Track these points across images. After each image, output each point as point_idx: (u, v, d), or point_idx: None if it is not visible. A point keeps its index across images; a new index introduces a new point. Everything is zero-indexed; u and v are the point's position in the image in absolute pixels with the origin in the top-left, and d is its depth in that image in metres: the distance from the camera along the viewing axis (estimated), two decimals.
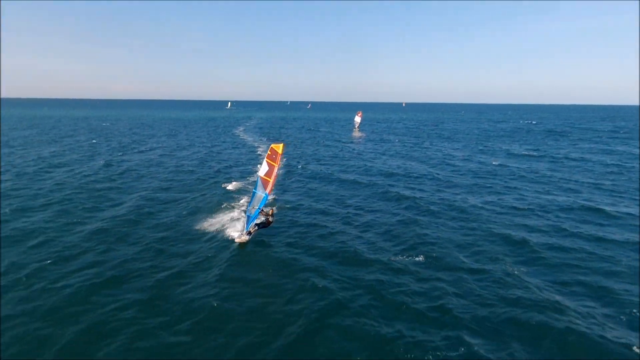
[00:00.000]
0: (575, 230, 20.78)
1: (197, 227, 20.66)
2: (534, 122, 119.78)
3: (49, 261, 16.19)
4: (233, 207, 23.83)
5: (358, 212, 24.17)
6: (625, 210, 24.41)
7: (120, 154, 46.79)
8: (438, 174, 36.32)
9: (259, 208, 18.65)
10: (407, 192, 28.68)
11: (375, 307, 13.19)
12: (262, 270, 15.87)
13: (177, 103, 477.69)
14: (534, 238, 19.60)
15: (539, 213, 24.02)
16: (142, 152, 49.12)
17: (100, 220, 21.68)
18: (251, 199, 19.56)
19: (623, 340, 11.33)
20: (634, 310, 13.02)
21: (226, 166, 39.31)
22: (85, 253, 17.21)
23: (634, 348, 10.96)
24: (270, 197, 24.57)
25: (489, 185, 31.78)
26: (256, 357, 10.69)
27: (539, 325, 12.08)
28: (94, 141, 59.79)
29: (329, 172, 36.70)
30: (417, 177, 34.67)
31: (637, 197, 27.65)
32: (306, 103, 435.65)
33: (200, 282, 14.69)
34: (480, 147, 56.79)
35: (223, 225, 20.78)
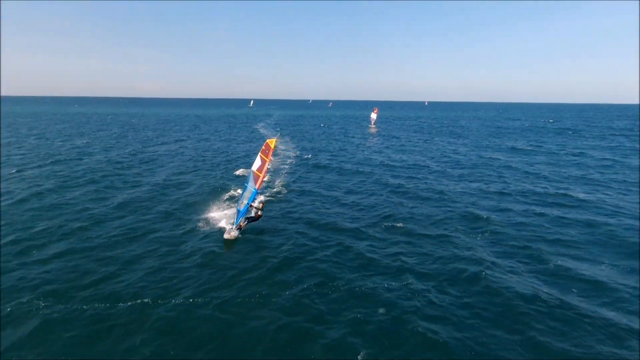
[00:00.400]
0: (541, 211, 23.08)
1: (194, 216, 21.59)
2: (551, 121, 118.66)
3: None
4: (233, 197, 25.20)
5: (347, 194, 27.09)
6: (598, 196, 26.36)
7: (144, 145, 51.28)
8: (433, 165, 38.67)
9: (247, 203, 18.75)
10: (398, 180, 31.35)
11: (345, 258, 16.21)
12: (251, 262, 16.02)
13: (202, 102, 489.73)
14: (498, 216, 22.06)
15: (517, 197, 26.28)
16: (165, 143, 53.54)
17: (121, 196, 25.49)
18: (242, 192, 20.03)
19: (526, 291, 13.86)
20: (551, 266, 15.51)
21: (238, 157, 42.90)
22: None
23: (540, 293, 13.54)
24: (279, 185, 27.31)
25: (478, 174, 34.01)
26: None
27: (473, 275, 14.76)
28: (122, 134, 64.97)
29: (331, 162, 39.74)
30: (411, 168, 37.17)
31: (616, 186, 29.44)
32: (327, 102, 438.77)
33: (183, 276, 14.68)
34: (486, 143, 58.39)
35: (218, 217, 21.26)
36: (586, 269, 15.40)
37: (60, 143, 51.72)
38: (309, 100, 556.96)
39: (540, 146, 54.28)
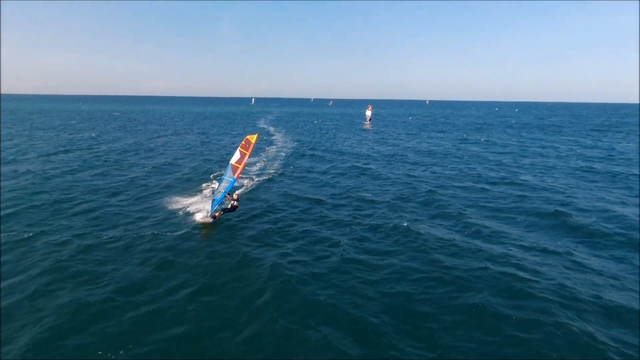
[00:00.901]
0: (483, 187, 27.30)
1: (172, 203, 22.29)
2: (540, 118, 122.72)
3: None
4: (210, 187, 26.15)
5: (321, 176, 31.38)
6: (539, 182, 30.45)
7: (146, 137, 55.84)
8: (402, 155, 42.79)
9: (224, 192, 19.35)
10: (366, 166, 35.58)
11: (314, 226, 20.51)
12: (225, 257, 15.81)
13: (204, 100, 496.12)
14: (441, 190, 26.32)
15: (463, 179, 30.42)
16: (165, 136, 58.09)
17: (118, 180, 29.96)
18: (219, 183, 20.54)
19: (441, 236, 18.10)
20: (470, 222, 19.71)
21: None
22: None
23: (456, 241, 17.74)
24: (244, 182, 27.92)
25: (440, 161, 38.23)
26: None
27: (397, 226, 18.97)
28: (123, 128, 69.62)
29: (312, 152, 44.04)
30: (384, 157, 41.20)
31: (558, 173, 33.64)
32: (329, 100, 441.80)
33: (160, 268, 14.52)
34: (464, 136, 62.58)
35: (193, 204, 21.92)
36: (497, 225, 19.61)
37: (80, 134, 56.63)
38: (311, 99, 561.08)
39: (511, 139, 58.50)
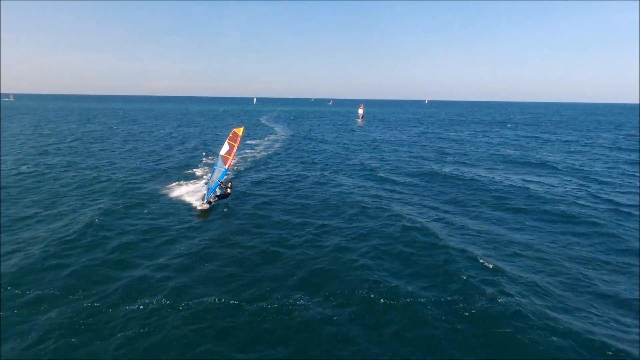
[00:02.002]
0: (408, 161, 37.19)
1: (170, 193, 23.91)
2: (511, 117, 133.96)
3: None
4: (201, 177, 28.85)
5: (297, 157, 41.26)
6: (445, 169, 40.12)
7: (160, 129, 65.84)
8: (381, 143, 52.63)
9: (218, 180, 21.08)
10: (328, 148, 45.78)
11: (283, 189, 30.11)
12: (224, 232, 17.89)
13: (206, 99, 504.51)
14: (383, 167, 35.93)
15: (417, 160, 40.15)
16: (177, 127, 68.17)
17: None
18: (212, 173, 22.52)
19: (371, 196, 27.75)
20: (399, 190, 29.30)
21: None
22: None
23: (382, 202, 27.35)
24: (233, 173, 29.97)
25: (406, 148, 47.98)
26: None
27: (344, 193, 28.59)
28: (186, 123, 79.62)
29: (302, 144, 53.97)
30: (361, 144, 51.13)
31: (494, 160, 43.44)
32: (329, 100, 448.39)
33: (164, 243, 16.28)
34: (437, 130, 72.43)
35: (187, 193, 23.63)
36: (402, 180, 29.29)
37: (100, 127, 66.85)
38: (311, 99, 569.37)
39: (462, 132, 68.68)
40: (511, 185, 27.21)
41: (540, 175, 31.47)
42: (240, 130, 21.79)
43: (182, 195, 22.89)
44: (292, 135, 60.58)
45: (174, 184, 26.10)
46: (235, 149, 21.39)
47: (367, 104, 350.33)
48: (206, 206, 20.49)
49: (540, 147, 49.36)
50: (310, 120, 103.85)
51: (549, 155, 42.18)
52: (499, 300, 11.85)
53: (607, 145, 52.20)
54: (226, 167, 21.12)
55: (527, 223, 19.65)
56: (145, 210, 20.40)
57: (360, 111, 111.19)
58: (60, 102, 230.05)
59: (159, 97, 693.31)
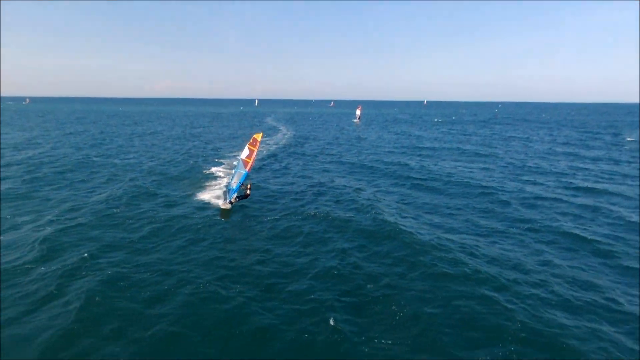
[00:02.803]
0: (390, 151, 46.93)
1: (194, 193, 25.57)
2: (491, 117, 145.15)
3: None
4: (222, 178, 30.38)
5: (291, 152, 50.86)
6: (424, 159, 49.96)
7: (179, 128, 75.75)
8: (362, 138, 62.63)
9: (239, 182, 22.51)
10: (320, 147, 55.59)
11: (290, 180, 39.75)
12: (245, 231, 19.25)
13: (208, 101, 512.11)
14: (364, 158, 45.67)
15: (374, 150, 49.94)
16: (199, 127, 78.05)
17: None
18: (232, 175, 23.82)
19: (325, 178, 37.54)
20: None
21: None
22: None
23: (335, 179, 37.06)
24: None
25: (370, 143, 57.64)
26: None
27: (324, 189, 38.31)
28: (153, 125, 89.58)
29: (305, 140, 63.80)
30: (331, 142, 60.95)
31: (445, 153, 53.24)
32: (329, 101, 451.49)
33: (193, 242, 17.56)
34: (400, 129, 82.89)
35: (211, 195, 25.11)
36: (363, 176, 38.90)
37: (125, 127, 76.79)
38: (312, 100, 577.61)
39: (444, 131, 79.29)
40: (429, 170, 35.58)
41: (462, 161, 41.28)
42: (259, 136, 23.60)
43: (207, 198, 24.65)
44: (301, 137, 70.61)
45: (200, 185, 28.19)
46: (255, 153, 22.98)
47: (368, 104, 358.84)
48: (228, 206, 21.96)
49: (482, 142, 59.34)
50: (304, 121, 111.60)
51: (471, 146, 52.41)
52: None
53: (541, 140, 61.80)
54: (247, 170, 22.70)
55: (441, 193, 27.99)
56: (175, 208, 22.42)
57: (358, 112, 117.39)
58: (72, 104, 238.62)
59: (158, 99, 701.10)
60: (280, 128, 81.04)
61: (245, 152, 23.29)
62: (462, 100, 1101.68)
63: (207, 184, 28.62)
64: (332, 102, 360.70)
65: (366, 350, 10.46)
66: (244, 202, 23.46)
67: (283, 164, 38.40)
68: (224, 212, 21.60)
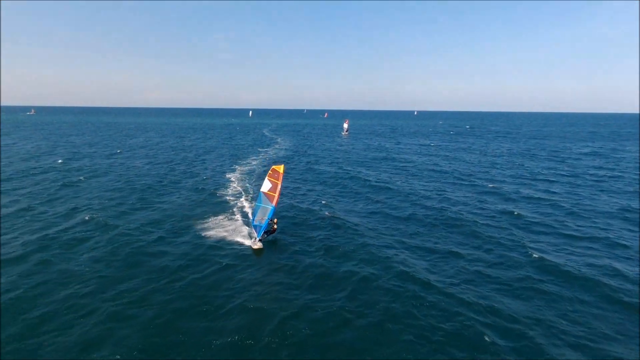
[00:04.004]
0: (376, 146, 57.61)
1: (211, 232, 23.75)
2: (467, 127, 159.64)
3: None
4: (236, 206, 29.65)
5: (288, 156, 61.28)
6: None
7: (177, 138, 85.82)
8: (350, 148, 73.45)
9: (268, 218, 21.18)
10: (311, 153, 66.08)
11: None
12: (285, 269, 18.90)
13: (204, 111, 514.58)
14: (348, 158, 56.44)
15: (354, 155, 60.65)
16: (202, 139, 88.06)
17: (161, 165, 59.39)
18: (255, 212, 22.59)
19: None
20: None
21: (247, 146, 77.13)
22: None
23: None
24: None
25: (355, 150, 68.50)
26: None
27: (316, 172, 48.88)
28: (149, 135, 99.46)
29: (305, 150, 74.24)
30: (314, 152, 71.08)
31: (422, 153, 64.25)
32: (322, 111, 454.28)
33: (237, 287, 17.03)
34: (391, 138, 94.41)
35: (233, 231, 23.61)
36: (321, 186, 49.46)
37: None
38: (304, 110, 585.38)
39: (422, 139, 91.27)
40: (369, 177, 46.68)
41: (398, 168, 51.11)
42: (280, 168, 22.02)
43: (227, 236, 22.91)
44: (298, 152, 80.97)
45: (211, 219, 26.22)
46: (279, 186, 21.60)
47: (359, 115, 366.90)
48: (259, 245, 20.99)
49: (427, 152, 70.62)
50: (306, 133, 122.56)
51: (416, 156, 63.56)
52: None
53: (499, 153, 73.08)
54: (273, 204, 21.44)
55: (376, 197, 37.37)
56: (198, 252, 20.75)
57: (345, 125, 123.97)
58: (74, 116, 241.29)
59: (149, 109, 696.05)
60: (282, 142, 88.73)
61: (266, 185, 22.29)
62: (453, 110, 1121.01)
63: (217, 217, 26.82)
64: (326, 113, 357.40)
65: None
66: (272, 236, 22.55)
67: (302, 190, 37.03)
68: (257, 252, 20.75)
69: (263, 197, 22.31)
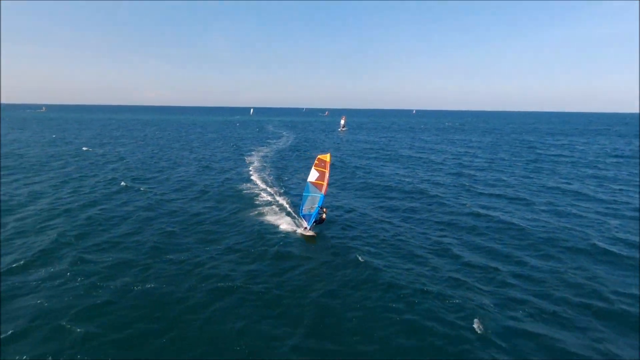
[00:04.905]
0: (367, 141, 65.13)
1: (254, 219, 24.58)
2: (457, 123, 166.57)
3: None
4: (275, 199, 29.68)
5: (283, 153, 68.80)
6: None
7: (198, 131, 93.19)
8: (347, 143, 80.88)
9: (318, 206, 21.92)
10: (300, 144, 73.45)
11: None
12: (335, 255, 19.19)
13: (202, 109, 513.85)
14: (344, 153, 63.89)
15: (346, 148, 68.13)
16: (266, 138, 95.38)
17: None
18: (303, 201, 23.27)
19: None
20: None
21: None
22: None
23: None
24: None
25: (348, 144, 75.93)
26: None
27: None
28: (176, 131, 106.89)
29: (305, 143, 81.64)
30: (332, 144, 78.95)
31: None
32: (322, 110, 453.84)
33: (295, 275, 17.06)
34: (380, 133, 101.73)
35: (280, 221, 23.95)
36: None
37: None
38: (303, 109, 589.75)
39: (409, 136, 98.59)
40: (356, 167, 48.05)
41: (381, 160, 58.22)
42: (327, 157, 22.80)
43: (279, 225, 23.30)
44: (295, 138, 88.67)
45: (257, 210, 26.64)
46: (327, 174, 22.35)
47: (358, 113, 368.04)
48: (311, 232, 21.63)
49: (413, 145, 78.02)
50: (303, 128, 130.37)
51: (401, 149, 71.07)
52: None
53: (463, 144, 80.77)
54: (322, 192, 22.10)
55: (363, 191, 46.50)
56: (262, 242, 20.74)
57: (342, 121, 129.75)
58: (79, 113, 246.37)
59: (151, 107, 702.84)
60: (287, 136, 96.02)
61: (313, 175, 23.20)
62: (452, 109, 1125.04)
63: (263, 208, 27.13)
64: (327, 112, 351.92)
65: None
66: (321, 227, 22.79)
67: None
68: (308, 238, 21.42)
69: (311, 187, 23.10)
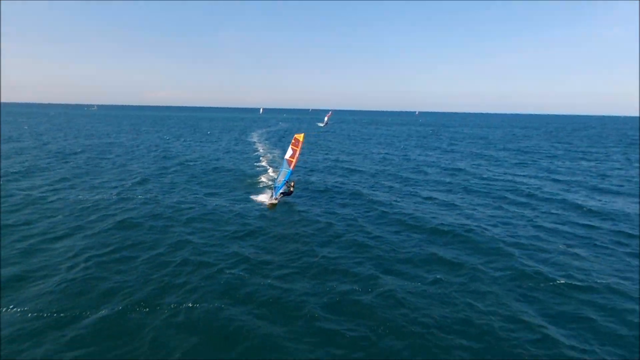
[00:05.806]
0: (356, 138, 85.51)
1: (241, 191, 28.72)
2: (455, 127, 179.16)
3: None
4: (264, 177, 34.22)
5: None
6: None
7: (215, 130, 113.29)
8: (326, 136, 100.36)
9: (284, 180, 24.13)
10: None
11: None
12: (292, 224, 21.25)
13: (214, 109, 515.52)
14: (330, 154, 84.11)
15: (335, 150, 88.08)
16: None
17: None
18: (278, 174, 25.67)
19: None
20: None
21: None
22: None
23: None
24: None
25: (341, 145, 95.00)
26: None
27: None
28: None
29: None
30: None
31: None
32: (327, 111, 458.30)
33: (244, 235, 19.44)
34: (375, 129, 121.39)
35: (257, 192, 27.47)
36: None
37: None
38: (309, 109, 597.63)
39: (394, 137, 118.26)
40: (337, 160, 50.46)
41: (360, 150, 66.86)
42: (300, 136, 24.27)
43: (257, 195, 26.71)
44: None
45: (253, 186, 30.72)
46: (298, 152, 23.83)
47: (362, 114, 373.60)
48: (274, 201, 24.18)
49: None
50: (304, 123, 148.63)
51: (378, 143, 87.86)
52: None
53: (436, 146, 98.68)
54: (291, 168, 23.87)
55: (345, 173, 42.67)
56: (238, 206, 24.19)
57: (326, 118, 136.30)
58: (125, 111, 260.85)
59: (164, 107, 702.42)
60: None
61: (289, 152, 24.49)
62: (453, 111, 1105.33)
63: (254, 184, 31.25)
64: (330, 112, 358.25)
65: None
66: (287, 198, 25.07)
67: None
68: (271, 206, 23.85)
69: (285, 162, 24.84)
